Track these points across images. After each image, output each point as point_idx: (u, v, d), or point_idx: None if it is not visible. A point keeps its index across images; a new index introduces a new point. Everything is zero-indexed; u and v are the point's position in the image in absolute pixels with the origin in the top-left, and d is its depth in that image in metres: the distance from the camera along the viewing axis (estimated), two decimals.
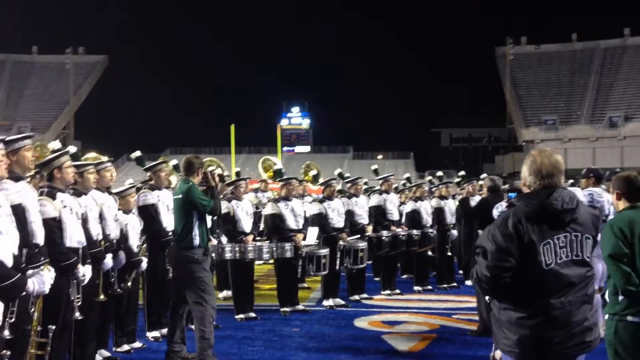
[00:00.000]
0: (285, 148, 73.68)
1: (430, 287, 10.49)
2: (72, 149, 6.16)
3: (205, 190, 6.05)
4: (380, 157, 70.51)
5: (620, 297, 3.71)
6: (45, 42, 61.53)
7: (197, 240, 5.90)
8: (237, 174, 13.27)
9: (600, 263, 5.19)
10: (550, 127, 57.81)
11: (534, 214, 3.10)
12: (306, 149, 78.82)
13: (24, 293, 3.66)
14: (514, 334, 3.16)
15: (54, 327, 4.17)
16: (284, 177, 9.88)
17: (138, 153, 8.65)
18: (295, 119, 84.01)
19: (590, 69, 59.29)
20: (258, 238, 9.65)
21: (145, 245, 6.93)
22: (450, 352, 6.52)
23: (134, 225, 6.76)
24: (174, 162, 8.94)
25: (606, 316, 3.83)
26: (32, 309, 3.94)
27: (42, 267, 3.94)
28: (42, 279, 3.81)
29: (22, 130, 47.19)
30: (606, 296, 3.91)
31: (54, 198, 4.64)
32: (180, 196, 5.96)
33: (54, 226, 4.50)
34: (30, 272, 3.79)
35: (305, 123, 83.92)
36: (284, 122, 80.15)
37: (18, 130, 47.47)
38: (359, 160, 68.73)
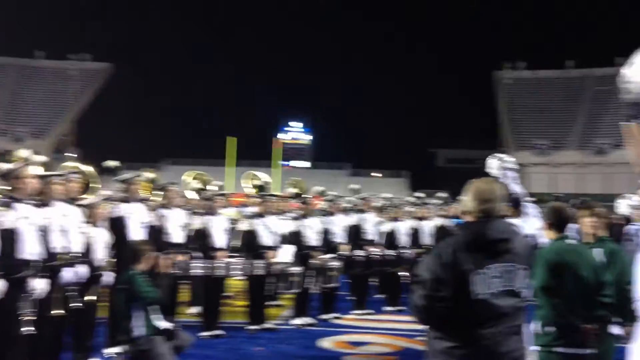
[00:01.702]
0: (282, 162, 73.82)
1: (401, 308, 10.53)
2: (40, 158, 6.12)
3: (152, 277, 5.90)
4: (377, 175, 70.56)
5: (550, 329, 3.76)
6: (50, 47, 61.43)
7: (138, 332, 5.63)
8: (220, 187, 13.33)
9: None
10: (541, 152, 58.08)
11: (470, 244, 3.16)
12: (306, 164, 78.82)
13: None
14: None
15: None
16: (267, 192, 9.96)
17: (114, 163, 8.67)
18: (296, 133, 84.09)
19: (584, 96, 59.74)
20: (233, 254, 9.71)
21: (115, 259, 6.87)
22: None
23: (101, 239, 6.74)
24: (150, 175, 8.99)
25: (536, 348, 3.89)
26: None
27: None
28: None
29: (19, 135, 47.18)
30: (536, 328, 3.97)
31: (10, 209, 4.67)
32: (120, 287, 5.78)
33: (6, 237, 4.52)
34: None
35: (306, 138, 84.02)
36: (284, 136, 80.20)
37: (14, 136, 47.35)
38: (356, 177, 68.77)
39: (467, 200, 3.31)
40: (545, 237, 4.16)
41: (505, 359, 3.15)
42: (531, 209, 7.24)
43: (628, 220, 8.30)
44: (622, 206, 8.39)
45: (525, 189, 7.98)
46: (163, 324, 5.76)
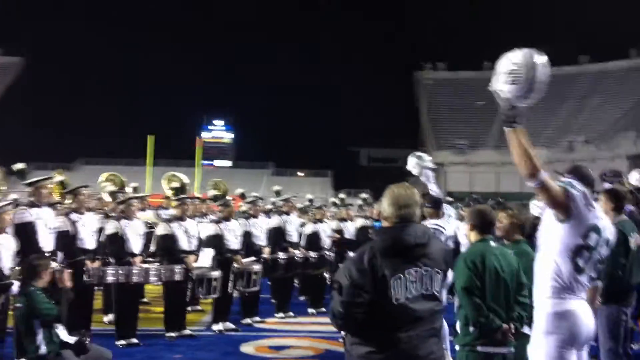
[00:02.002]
0: (205, 162, 72.85)
1: (324, 309, 10.51)
2: None
3: (51, 293, 5.60)
4: (300, 174, 70.75)
5: (471, 328, 3.81)
6: None
7: (42, 349, 5.41)
8: (135, 189, 12.93)
9: None
10: (459, 151, 59.89)
11: (388, 249, 3.14)
12: (228, 163, 78.10)
13: None
14: None
15: None
16: (186, 194, 9.69)
17: (21, 165, 8.25)
18: (218, 132, 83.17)
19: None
20: (151, 259, 9.41)
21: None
22: None
23: (8, 246, 6.40)
24: (60, 177, 8.59)
25: (457, 347, 3.93)
26: None
27: None
28: None
29: None
30: (457, 327, 4.01)
31: None
32: (19, 305, 5.49)
33: None
34: None
35: (228, 137, 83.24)
36: (206, 135, 79.20)
37: None
38: (279, 177, 68.73)
39: (384, 206, 3.30)
40: (468, 238, 4.21)
41: None
42: (449, 209, 7.37)
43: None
44: (533, 207, 8.64)
45: (442, 188, 8.17)
46: (69, 338, 5.48)
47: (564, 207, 3.40)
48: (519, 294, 3.95)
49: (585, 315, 3.50)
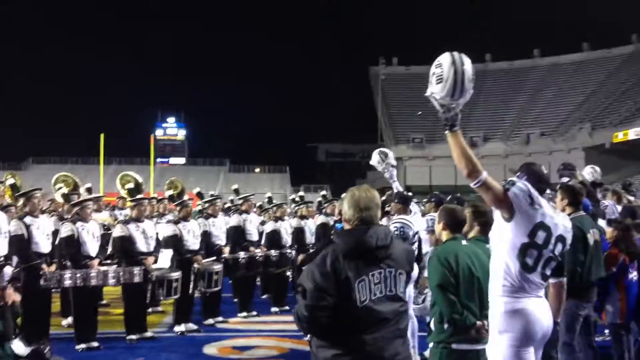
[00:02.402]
0: (159, 159, 71.86)
1: (287, 307, 10.48)
2: None
3: None
4: (257, 170, 70.44)
5: (446, 326, 3.85)
6: None
7: None
8: (89, 190, 12.65)
9: None
10: (417, 145, 60.56)
11: (351, 251, 3.14)
12: (182, 160, 77.21)
13: None
14: None
15: None
16: (142, 194, 9.52)
17: None
18: (171, 129, 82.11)
19: None
20: (108, 261, 9.23)
21: None
22: None
23: None
24: (11, 180, 8.34)
25: (431, 344, 3.96)
26: None
27: None
28: None
29: None
30: (431, 325, 4.04)
31: None
32: None
33: None
34: None
35: (181, 134, 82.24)
36: (158, 133, 78.12)
37: None
38: (236, 173, 68.30)
39: (345, 208, 3.30)
40: (439, 237, 4.25)
41: None
42: (414, 206, 7.43)
43: None
44: None
45: (401, 182, 8.23)
46: (25, 349, 5.32)
47: (506, 206, 3.46)
48: None
49: (539, 313, 3.54)
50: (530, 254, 3.49)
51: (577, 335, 5.04)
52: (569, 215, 5.06)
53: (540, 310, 3.56)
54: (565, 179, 6.93)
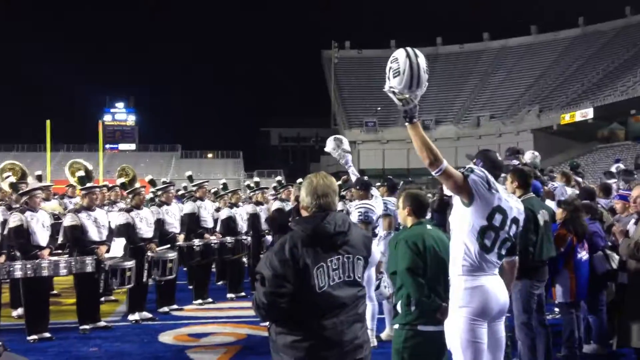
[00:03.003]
0: (108, 146, 70.45)
1: (243, 293, 10.47)
2: None
3: None
4: (210, 155, 69.83)
5: (413, 308, 3.92)
6: None
7: None
8: (39, 177, 12.35)
9: None
10: (370, 129, 60.95)
11: (309, 238, 3.16)
12: (131, 146, 75.91)
13: None
14: (290, 357, 3.19)
15: None
16: (90, 183, 9.31)
17: None
18: (120, 114, 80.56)
19: None
20: (59, 251, 9.04)
21: None
22: None
23: None
24: None
25: (395, 326, 4.02)
26: None
27: None
28: None
29: None
30: (398, 307, 4.09)
31: None
32: None
33: None
34: None
35: (131, 119, 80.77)
36: (107, 118, 76.58)
37: None
38: (188, 159, 67.60)
39: (303, 196, 3.32)
40: (403, 222, 4.31)
41: (349, 346, 3.21)
42: (374, 190, 7.47)
43: None
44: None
45: (354, 167, 8.26)
46: None
47: (466, 192, 3.64)
48: None
49: (496, 290, 3.74)
50: (489, 235, 3.69)
51: (533, 313, 5.18)
52: (519, 197, 5.21)
53: (497, 287, 3.76)
54: (515, 162, 7.09)
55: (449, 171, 3.55)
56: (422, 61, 3.47)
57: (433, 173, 3.58)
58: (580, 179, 9.65)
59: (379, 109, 54.92)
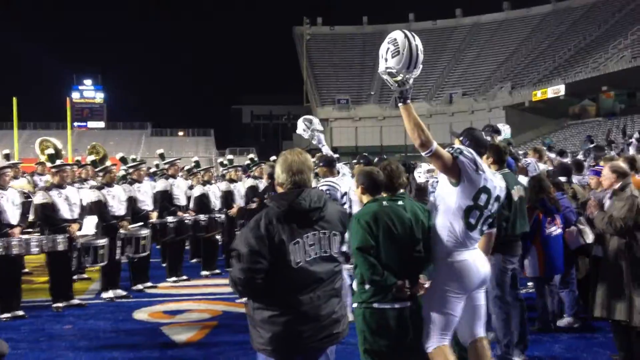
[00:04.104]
0: (76, 123, 69.32)
1: (218, 271, 10.46)
2: None
3: None
4: (181, 133, 69.21)
5: (367, 286, 3.91)
6: None
7: None
8: (6, 156, 12.13)
9: None
10: (343, 106, 60.82)
11: (284, 214, 3.18)
12: (100, 124, 74.81)
13: None
14: (267, 331, 3.22)
15: None
16: (60, 161, 9.16)
17: None
18: (88, 92, 79.17)
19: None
20: (30, 230, 8.91)
21: None
22: (228, 339, 6.51)
23: None
24: None
25: (354, 304, 4.02)
26: None
27: None
28: None
29: None
30: (354, 286, 4.11)
31: None
32: None
33: None
34: None
35: (99, 97, 79.47)
36: (75, 96, 75.27)
37: None
38: (158, 137, 66.93)
39: (278, 172, 3.33)
40: (359, 200, 4.27)
41: (326, 320, 3.26)
42: (344, 167, 7.46)
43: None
44: (419, 175, 8.90)
45: (327, 144, 8.25)
46: None
47: (455, 172, 3.76)
48: (415, 249, 4.01)
49: (477, 263, 3.90)
50: (474, 214, 3.84)
51: (507, 288, 5.25)
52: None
53: (478, 261, 3.92)
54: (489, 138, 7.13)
55: (439, 152, 3.67)
56: (419, 42, 3.61)
57: (423, 154, 3.68)
58: (553, 155, 9.77)
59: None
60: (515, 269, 5.46)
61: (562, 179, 7.38)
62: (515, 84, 54.72)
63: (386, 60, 3.59)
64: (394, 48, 3.57)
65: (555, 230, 6.13)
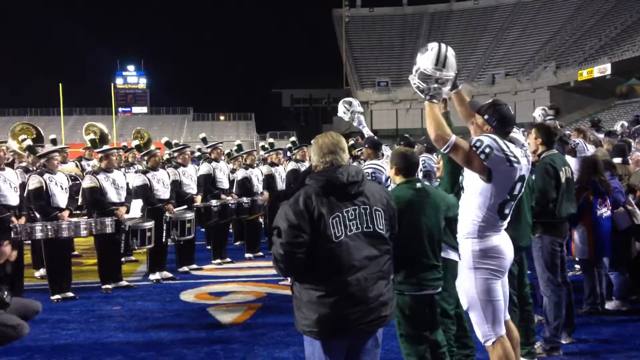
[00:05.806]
0: (121, 109, 70.56)
1: (261, 253, 10.55)
2: None
3: None
4: (222, 118, 69.75)
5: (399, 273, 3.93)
6: None
7: None
8: (53, 141, 12.40)
9: None
10: (383, 89, 60.32)
11: (322, 189, 3.17)
12: (143, 109, 75.95)
13: None
14: (314, 313, 3.17)
15: None
16: (106, 146, 9.34)
17: None
18: (131, 78, 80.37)
19: (419, 32, 62.38)
20: (78, 212, 9.12)
21: None
22: (273, 320, 6.57)
23: None
24: None
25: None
26: None
27: None
28: None
29: None
30: None
31: None
32: None
33: None
34: None
35: (142, 82, 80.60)
36: (119, 81, 76.50)
37: None
38: (200, 121, 67.59)
39: (312, 156, 3.36)
40: (392, 181, 4.26)
41: (374, 303, 3.21)
42: (387, 150, 7.41)
43: None
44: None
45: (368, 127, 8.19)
46: None
47: (484, 172, 3.57)
48: (440, 235, 4.06)
49: (506, 247, 3.77)
50: (509, 205, 3.72)
51: (558, 270, 5.16)
52: (541, 153, 5.14)
53: (507, 244, 3.79)
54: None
55: (458, 144, 3.54)
56: (453, 52, 3.84)
57: (441, 150, 3.62)
58: (599, 134, 9.52)
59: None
60: (563, 251, 5.35)
61: (617, 160, 7.20)
62: (560, 63, 53.45)
63: (415, 63, 3.80)
64: (424, 49, 3.81)
65: (606, 212, 6.00)
